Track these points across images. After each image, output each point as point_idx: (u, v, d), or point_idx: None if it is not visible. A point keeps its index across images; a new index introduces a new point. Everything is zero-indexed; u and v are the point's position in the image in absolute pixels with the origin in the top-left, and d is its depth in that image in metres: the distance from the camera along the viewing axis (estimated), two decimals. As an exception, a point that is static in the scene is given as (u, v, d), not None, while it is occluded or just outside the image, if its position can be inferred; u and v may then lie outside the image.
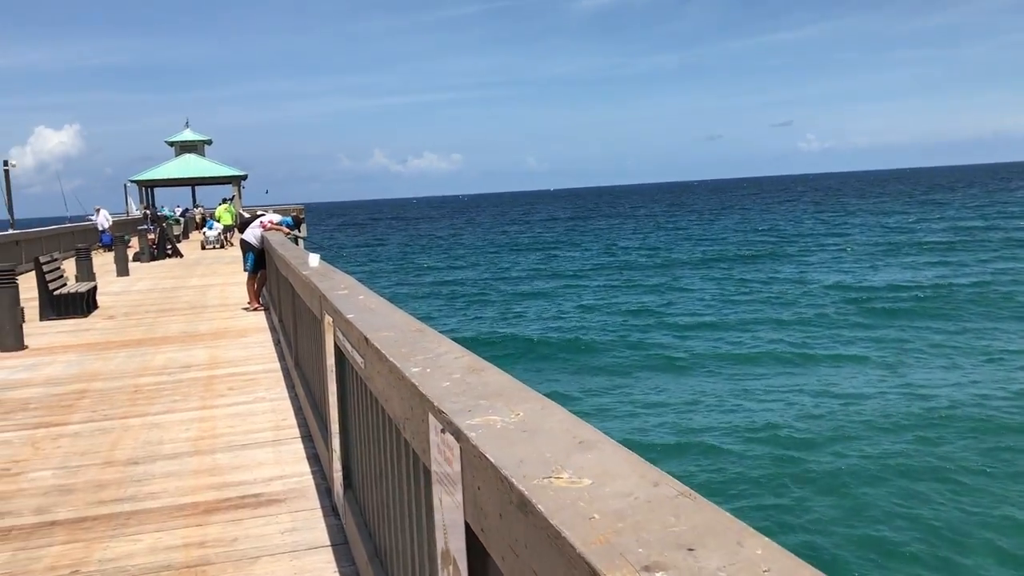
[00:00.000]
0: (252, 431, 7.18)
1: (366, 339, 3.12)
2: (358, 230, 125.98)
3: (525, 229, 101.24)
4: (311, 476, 5.92)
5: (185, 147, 64.55)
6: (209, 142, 66.40)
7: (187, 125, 66.61)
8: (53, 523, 5.27)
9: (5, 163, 29.75)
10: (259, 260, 14.80)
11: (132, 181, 61.12)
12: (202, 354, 11.02)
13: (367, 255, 73.23)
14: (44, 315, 15.05)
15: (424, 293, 43.45)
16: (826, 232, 68.95)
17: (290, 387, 8.74)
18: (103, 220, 36.97)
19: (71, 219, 36.92)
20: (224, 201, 42.51)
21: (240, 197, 58.94)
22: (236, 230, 39.14)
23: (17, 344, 11.94)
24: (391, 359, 2.62)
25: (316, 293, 5.28)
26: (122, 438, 7.16)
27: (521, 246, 73.88)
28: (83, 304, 15.27)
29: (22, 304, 16.35)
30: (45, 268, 15.11)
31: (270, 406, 8.03)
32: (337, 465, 4.82)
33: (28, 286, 15.94)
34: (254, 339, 12.04)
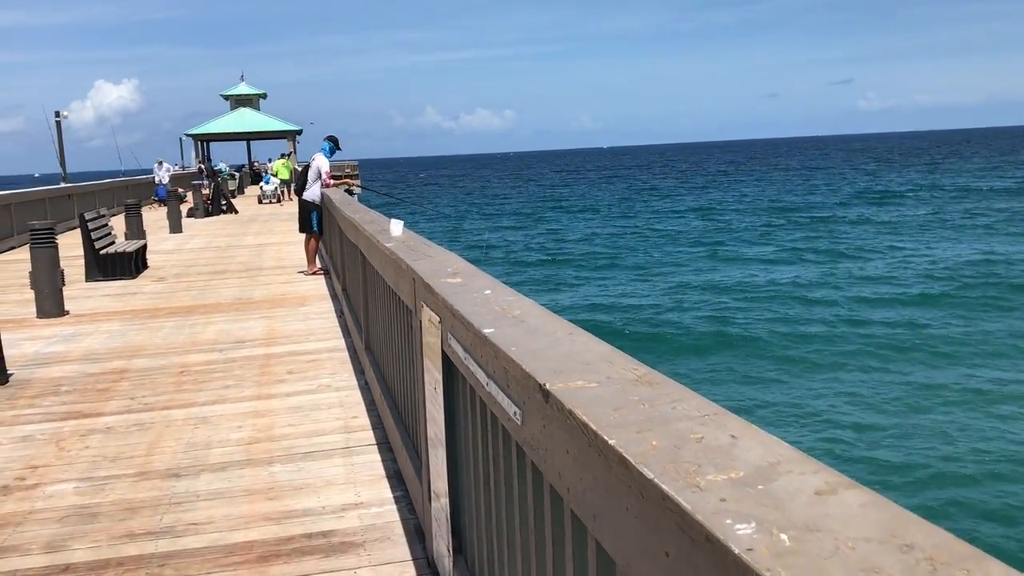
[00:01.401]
0: (317, 432, 5.92)
1: (545, 390, 1.75)
2: (406, 187, 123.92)
3: (581, 190, 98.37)
4: (394, 506, 4.63)
5: (240, 100, 63.63)
6: (264, 96, 65.40)
7: (242, 79, 65.69)
8: (66, 568, 4.06)
9: (57, 114, 28.84)
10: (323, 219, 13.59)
11: (187, 135, 60.49)
12: (257, 326, 9.83)
13: (416, 213, 71.11)
14: (90, 276, 14.02)
15: (475, 258, 41.18)
16: (895, 195, 65.52)
17: (359, 372, 7.48)
18: (164, 173, 35.82)
19: (125, 173, 36.17)
20: (282, 156, 41.73)
21: (295, 152, 57.98)
22: (292, 187, 38.28)
23: (57, 310, 10.87)
24: (659, 482, 1.24)
25: (408, 275, 3.94)
26: (162, 437, 5.96)
27: (576, 207, 71.47)
28: (131, 264, 14.21)
29: (69, 264, 15.43)
30: (91, 225, 14.05)
31: (337, 397, 6.77)
32: (440, 515, 3.51)
33: (77, 242, 14.94)
34: (314, 308, 10.82)
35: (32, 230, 10.77)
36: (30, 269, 10.84)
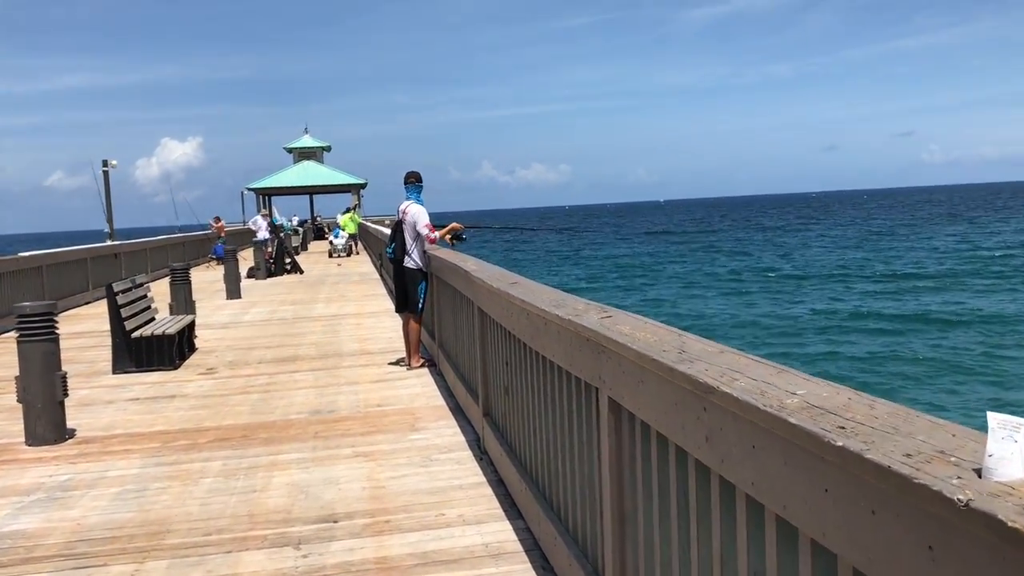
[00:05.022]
0: None
1: None
2: (463, 245, 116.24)
3: (654, 249, 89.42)
4: None
5: (304, 154, 61.28)
6: (328, 148, 62.99)
7: (306, 131, 63.43)
8: None
9: (105, 164, 25.81)
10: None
11: (249, 189, 58.09)
12: (353, 477, 6.12)
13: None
14: (119, 366, 10.57)
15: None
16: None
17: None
18: (266, 227, 29.62)
19: (181, 228, 33.35)
20: (348, 210, 39.26)
21: (360, 206, 55.12)
22: (359, 241, 35.53)
23: (54, 433, 7.33)
24: None
25: None
26: None
27: (654, 269, 64.31)
28: (172, 350, 10.71)
29: (99, 346, 12.13)
30: (121, 300, 10.61)
31: None
32: None
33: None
34: (434, 436, 7.09)
35: (20, 316, 7.25)
36: (16, 374, 7.35)
